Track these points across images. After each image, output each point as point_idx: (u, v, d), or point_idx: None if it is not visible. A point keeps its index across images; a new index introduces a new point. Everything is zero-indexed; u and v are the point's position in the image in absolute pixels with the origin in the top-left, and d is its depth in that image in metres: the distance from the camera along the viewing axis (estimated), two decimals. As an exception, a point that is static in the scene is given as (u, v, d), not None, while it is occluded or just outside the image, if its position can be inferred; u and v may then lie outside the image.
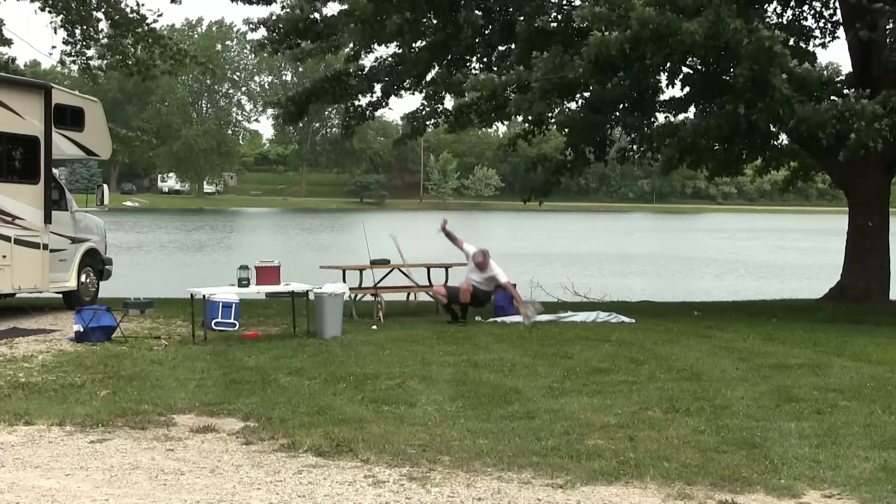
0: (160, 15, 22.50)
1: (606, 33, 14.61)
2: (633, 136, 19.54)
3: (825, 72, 15.75)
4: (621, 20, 14.58)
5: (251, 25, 19.25)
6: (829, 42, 20.23)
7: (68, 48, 22.94)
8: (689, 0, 14.25)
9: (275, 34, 19.35)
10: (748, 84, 15.03)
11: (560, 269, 34.73)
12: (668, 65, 16.88)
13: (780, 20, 19.57)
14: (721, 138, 17.91)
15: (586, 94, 18.52)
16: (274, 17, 19.12)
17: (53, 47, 26.96)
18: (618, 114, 18.93)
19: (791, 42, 17.12)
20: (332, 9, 19.77)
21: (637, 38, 14.64)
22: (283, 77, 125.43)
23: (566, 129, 19.81)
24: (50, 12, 22.33)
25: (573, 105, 19.20)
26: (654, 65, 16.17)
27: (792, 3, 19.85)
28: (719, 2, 14.27)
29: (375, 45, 19.85)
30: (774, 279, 34.60)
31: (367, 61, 20.94)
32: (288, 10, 19.15)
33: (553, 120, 19.21)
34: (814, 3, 20.14)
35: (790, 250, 50.76)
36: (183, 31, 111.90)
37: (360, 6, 17.84)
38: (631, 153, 20.09)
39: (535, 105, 16.29)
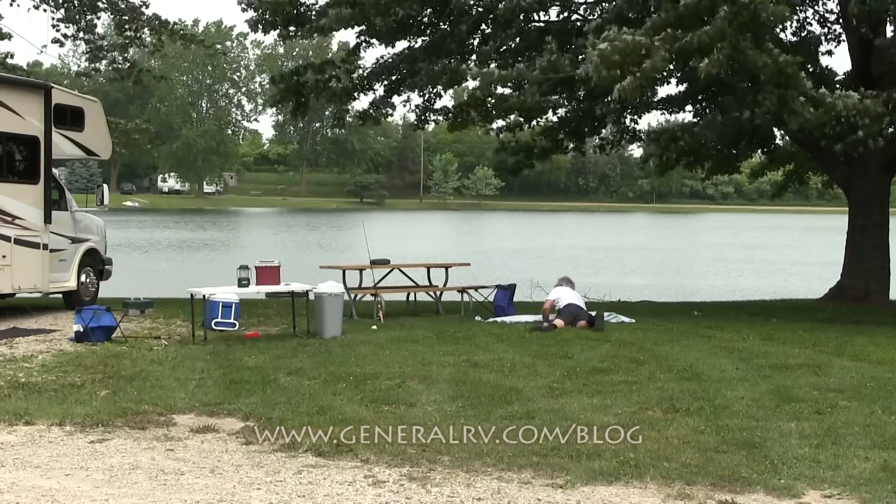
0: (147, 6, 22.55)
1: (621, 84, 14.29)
2: (618, 130, 19.80)
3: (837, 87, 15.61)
4: (633, 69, 14.10)
5: (242, 5, 19.20)
6: (835, 49, 20.20)
7: (67, 42, 22.96)
8: (706, 37, 13.74)
9: (263, 15, 19.21)
10: (768, 110, 14.88)
11: (560, 268, 34.67)
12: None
13: (786, 31, 19.45)
14: (724, 143, 17.96)
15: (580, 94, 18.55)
16: None
17: (44, 46, 26.97)
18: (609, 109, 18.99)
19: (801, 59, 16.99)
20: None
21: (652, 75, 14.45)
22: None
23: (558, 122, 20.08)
24: (49, 10, 22.31)
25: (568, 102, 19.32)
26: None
27: (798, 8, 19.74)
28: (734, 33, 13.84)
29: (372, 43, 19.74)
30: (775, 278, 34.60)
31: (367, 60, 20.92)
32: None
33: (542, 122, 19.36)
34: (817, 7, 20.08)
35: (794, 248, 50.75)
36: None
37: None
38: (610, 144, 20.42)
39: (533, 98, 16.32)
